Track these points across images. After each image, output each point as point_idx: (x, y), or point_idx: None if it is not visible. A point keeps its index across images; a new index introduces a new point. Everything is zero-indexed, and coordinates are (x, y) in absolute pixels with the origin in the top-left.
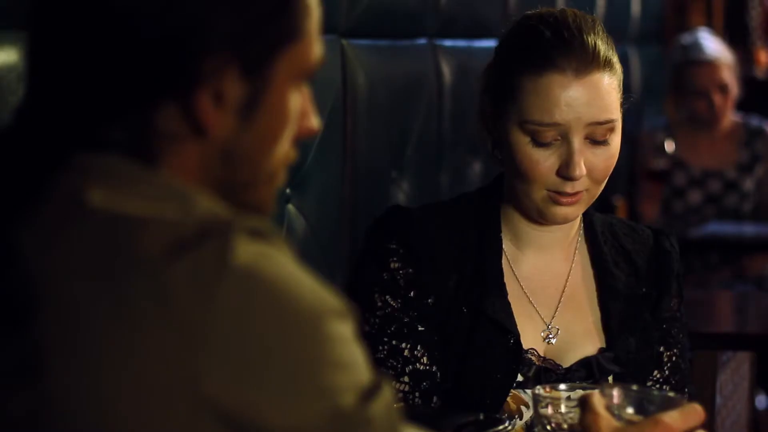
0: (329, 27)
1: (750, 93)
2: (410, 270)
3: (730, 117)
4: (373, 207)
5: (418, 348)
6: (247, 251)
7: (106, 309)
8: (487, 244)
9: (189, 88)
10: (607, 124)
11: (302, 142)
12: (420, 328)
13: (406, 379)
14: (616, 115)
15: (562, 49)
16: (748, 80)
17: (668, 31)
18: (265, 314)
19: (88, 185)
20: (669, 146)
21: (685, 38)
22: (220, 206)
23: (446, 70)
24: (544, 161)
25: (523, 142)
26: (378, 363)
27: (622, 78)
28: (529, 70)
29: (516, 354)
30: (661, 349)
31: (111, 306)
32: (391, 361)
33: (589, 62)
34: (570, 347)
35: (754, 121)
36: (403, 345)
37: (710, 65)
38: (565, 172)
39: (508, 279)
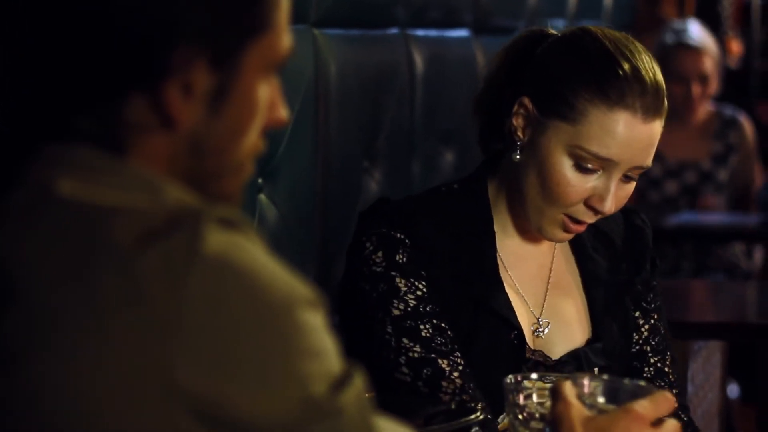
0: (300, 17)
1: (722, 83)
2: (419, 261)
3: (705, 107)
4: (345, 197)
5: (451, 330)
6: (217, 240)
7: (77, 299)
8: (482, 238)
9: (158, 79)
10: (645, 168)
11: (274, 131)
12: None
13: (458, 354)
14: None
15: (639, 89)
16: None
17: (640, 22)
18: (236, 303)
19: (57, 175)
20: None
21: (677, 23)
22: (189, 196)
23: (418, 60)
24: (579, 187)
25: (565, 163)
26: (425, 342)
27: None
28: (600, 100)
29: (519, 350)
30: (637, 314)
31: (82, 296)
32: (438, 339)
33: (657, 107)
34: (558, 338)
35: (728, 111)
36: (443, 324)
37: (696, 53)
38: (597, 204)
39: (500, 272)
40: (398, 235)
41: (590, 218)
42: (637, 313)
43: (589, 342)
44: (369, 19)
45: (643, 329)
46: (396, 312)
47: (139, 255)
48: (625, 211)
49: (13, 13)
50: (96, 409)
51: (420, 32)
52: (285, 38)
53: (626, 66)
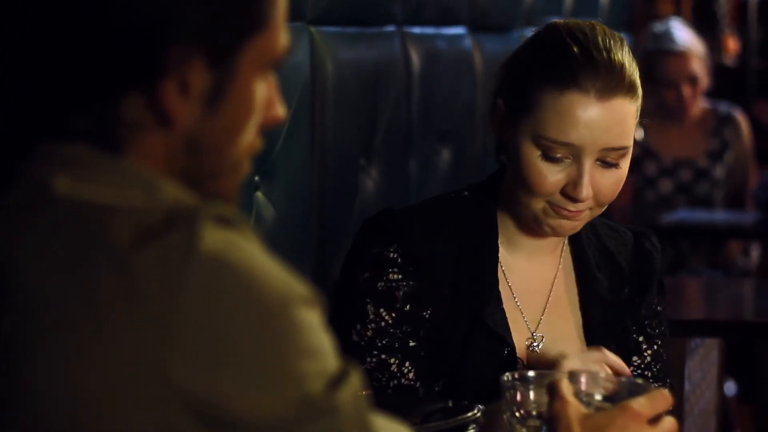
0: (297, 14)
1: (719, 81)
2: (410, 282)
3: (700, 104)
4: (342, 195)
5: (407, 364)
6: (214, 238)
7: (74, 297)
8: (485, 251)
9: (155, 77)
10: (621, 150)
11: (271, 129)
12: (411, 344)
13: (388, 392)
14: (631, 141)
15: (588, 68)
16: (716, 68)
17: (637, 20)
18: (233, 301)
19: (54, 174)
20: (637, 134)
21: (657, 27)
22: (186, 194)
23: (415, 57)
24: (551, 176)
25: (533, 154)
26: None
27: (641, 102)
28: (551, 85)
29: (510, 366)
30: (641, 339)
31: (79, 294)
32: (377, 374)
33: (614, 85)
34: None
35: (723, 108)
36: (392, 360)
37: (681, 56)
38: (571, 191)
39: (501, 286)
40: (391, 255)
41: (572, 206)
42: (641, 338)
43: None
44: (365, 16)
45: (645, 354)
46: (354, 337)
47: (136, 253)
48: (636, 233)
49: (12, 13)
50: (94, 408)
51: (417, 30)
52: (282, 36)
53: (575, 48)
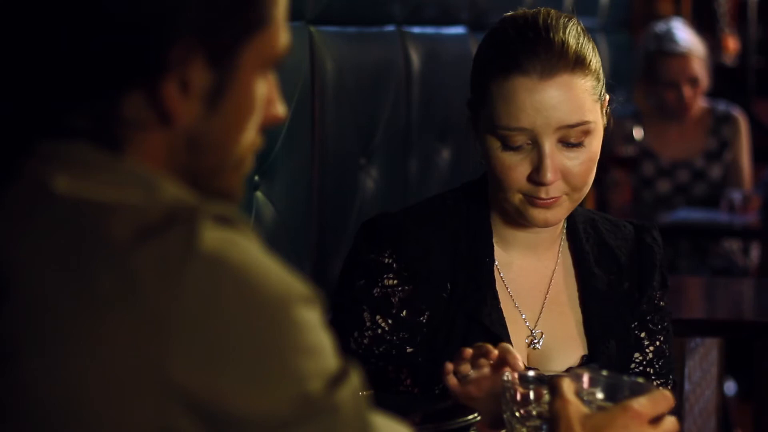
0: (297, 14)
1: (719, 80)
2: (406, 287)
3: (698, 104)
4: (342, 194)
5: (404, 371)
6: (213, 237)
7: (73, 295)
8: (480, 251)
9: (155, 76)
10: (580, 127)
11: (271, 129)
12: (408, 350)
13: (388, 393)
14: (591, 116)
15: (526, 50)
16: (716, 67)
17: (637, 19)
18: (232, 300)
19: (53, 172)
20: (637, 133)
21: (659, 27)
22: (186, 193)
23: (414, 57)
24: (515, 166)
25: (494, 146)
26: None
27: (601, 76)
28: (496, 74)
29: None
30: (643, 335)
31: (78, 292)
32: (375, 382)
33: (554, 63)
34: (553, 353)
35: (721, 107)
36: (390, 367)
37: (683, 57)
38: (535, 177)
39: (497, 285)
40: (386, 260)
41: (543, 193)
42: (642, 334)
43: (584, 359)
44: (365, 16)
45: (647, 350)
46: (352, 345)
47: (135, 251)
48: (637, 227)
49: (12, 12)
50: (93, 405)
51: (416, 29)
52: (283, 35)
53: (512, 33)
